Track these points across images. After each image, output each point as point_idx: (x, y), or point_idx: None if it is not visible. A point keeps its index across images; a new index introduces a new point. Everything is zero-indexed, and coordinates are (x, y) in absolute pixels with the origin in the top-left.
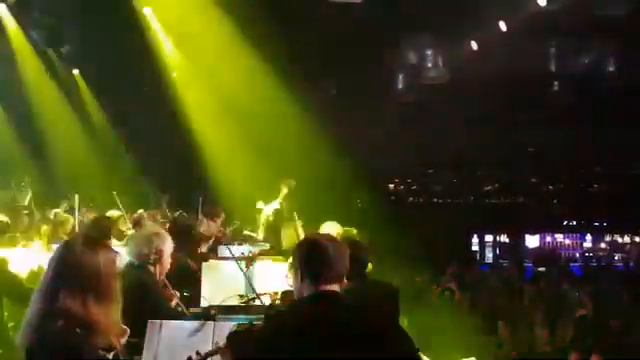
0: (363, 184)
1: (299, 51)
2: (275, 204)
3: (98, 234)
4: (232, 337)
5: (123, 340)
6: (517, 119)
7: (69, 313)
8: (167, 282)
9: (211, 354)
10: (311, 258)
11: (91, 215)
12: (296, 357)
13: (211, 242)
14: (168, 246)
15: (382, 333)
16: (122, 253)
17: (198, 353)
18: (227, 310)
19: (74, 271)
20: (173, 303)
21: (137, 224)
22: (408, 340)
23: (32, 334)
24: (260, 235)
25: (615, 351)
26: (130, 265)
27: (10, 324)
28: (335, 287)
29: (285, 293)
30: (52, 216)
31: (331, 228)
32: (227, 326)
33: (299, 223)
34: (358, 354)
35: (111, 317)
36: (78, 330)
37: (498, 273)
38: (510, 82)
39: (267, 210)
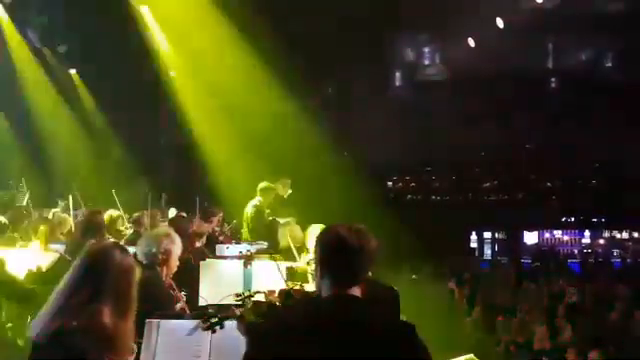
0: (362, 181)
1: (297, 50)
2: (255, 201)
3: (91, 229)
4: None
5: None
6: (515, 115)
7: (85, 316)
8: (173, 284)
9: (227, 318)
10: (332, 257)
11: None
12: (303, 356)
13: (204, 239)
14: (177, 248)
15: (399, 342)
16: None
17: (216, 315)
18: (225, 309)
19: (107, 276)
20: (180, 305)
21: (137, 223)
22: (425, 351)
23: (43, 331)
24: (244, 233)
25: (614, 347)
26: (138, 264)
27: (8, 325)
28: (356, 290)
29: (282, 293)
30: (50, 216)
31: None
32: (224, 325)
33: (294, 221)
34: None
35: (129, 328)
36: (92, 338)
37: (497, 270)
38: (508, 79)
39: (247, 208)
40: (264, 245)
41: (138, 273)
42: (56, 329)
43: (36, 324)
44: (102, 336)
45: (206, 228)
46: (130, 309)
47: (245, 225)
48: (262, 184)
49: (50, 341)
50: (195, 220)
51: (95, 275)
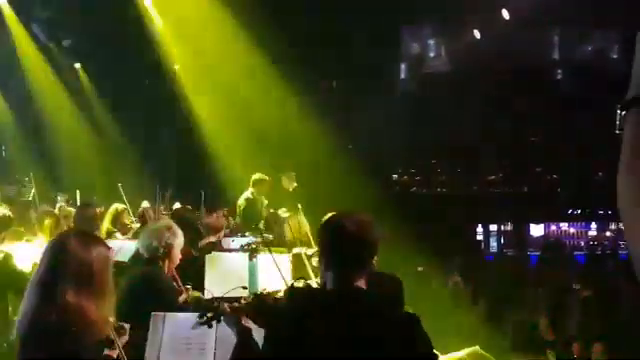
0: (366, 174)
1: (300, 42)
2: (248, 193)
3: (84, 224)
4: (254, 303)
5: (124, 339)
6: (520, 108)
7: (63, 308)
8: (177, 277)
9: (214, 318)
10: (331, 246)
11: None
12: (304, 353)
13: (221, 234)
14: (179, 241)
15: (400, 338)
16: (124, 247)
17: (202, 316)
18: (230, 302)
19: (66, 266)
20: (182, 297)
21: (142, 218)
22: (428, 343)
23: (26, 326)
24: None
25: (618, 340)
26: (140, 258)
27: (15, 318)
28: (361, 282)
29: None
30: (56, 210)
31: None
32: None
33: (300, 214)
34: (370, 355)
35: (104, 313)
36: (73, 327)
37: (503, 262)
38: (513, 70)
39: (240, 200)
40: (270, 237)
41: (112, 259)
42: (38, 324)
43: (20, 322)
44: (77, 326)
45: (222, 222)
46: (100, 295)
47: (238, 217)
48: (255, 175)
49: (34, 339)
50: (215, 215)
51: (55, 267)
